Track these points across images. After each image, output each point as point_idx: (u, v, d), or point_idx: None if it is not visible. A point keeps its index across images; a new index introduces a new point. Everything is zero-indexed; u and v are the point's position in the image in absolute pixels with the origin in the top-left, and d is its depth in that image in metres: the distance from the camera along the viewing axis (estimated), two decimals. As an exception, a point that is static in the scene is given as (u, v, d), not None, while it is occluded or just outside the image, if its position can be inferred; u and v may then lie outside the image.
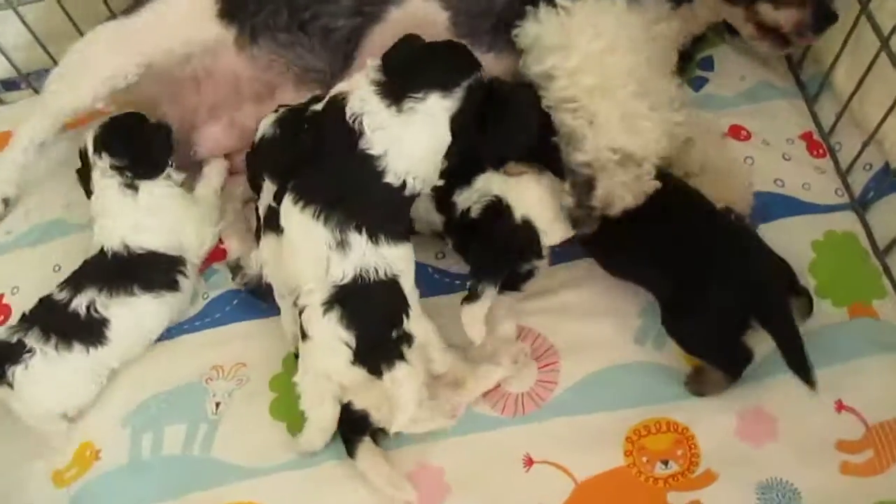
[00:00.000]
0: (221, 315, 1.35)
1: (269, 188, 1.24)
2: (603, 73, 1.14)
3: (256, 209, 1.29)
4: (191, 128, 1.40)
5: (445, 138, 1.14)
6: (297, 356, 1.18)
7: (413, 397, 1.08)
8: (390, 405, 1.09)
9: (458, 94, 1.14)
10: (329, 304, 1.08)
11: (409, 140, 1.12)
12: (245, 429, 1.22)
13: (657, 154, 1.14)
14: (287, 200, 1.14)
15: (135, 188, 1.29)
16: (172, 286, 1.30)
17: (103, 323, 1.24)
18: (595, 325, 1.23)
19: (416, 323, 1.12)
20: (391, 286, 1.11)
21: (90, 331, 1.23)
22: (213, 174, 1.40)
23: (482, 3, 1.27)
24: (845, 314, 1.22)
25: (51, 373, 1.20)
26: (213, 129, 1.39)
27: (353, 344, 1.07)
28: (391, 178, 1.12)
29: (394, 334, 1.10)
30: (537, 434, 1.16)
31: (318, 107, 1.18)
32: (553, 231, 1.20)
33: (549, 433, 1.15)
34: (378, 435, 1.14)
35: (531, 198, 1.20)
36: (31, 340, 1.21)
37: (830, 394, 1.15)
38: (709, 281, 1.12)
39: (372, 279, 1.09)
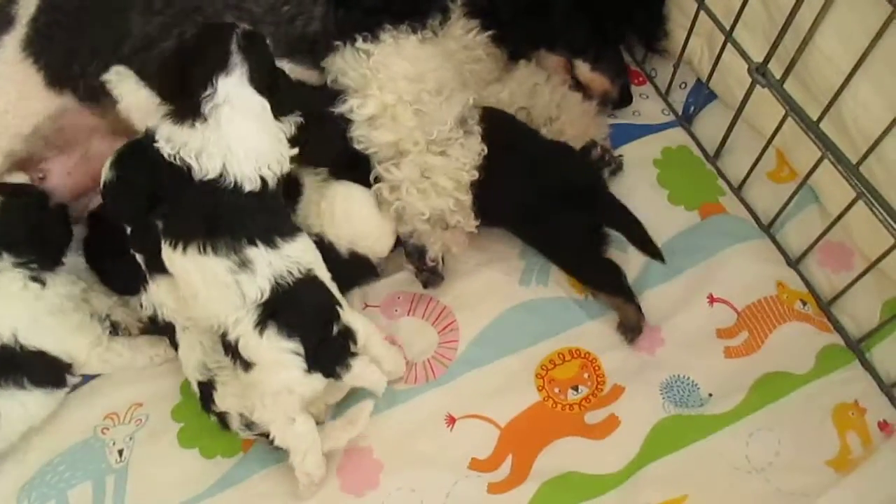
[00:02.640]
0: (103, 362, 1.28)
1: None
2: (396, 129, 1.19)
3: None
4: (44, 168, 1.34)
5: (264, 105, 1.10)
6: (202, 385, 1.15)
7: (380, 379, 1.10)
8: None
9: (236, 59, 1.09)
10: (262, 324, 1.04)
11: (235, 139, 1.07)
12: (158, 467, 1.17)
13: (461, 202, 1.20)
14: (165, 249, 1.09)
15: (41, 282, 1.20)
16: (60, 384, 1.22)
17: None
18: (481, 278, 1.28)
19: (352, 316, 1.11)
20: (311, 281, 1.09)
21: None
22: None
23: (296, 29, 1.29)
24: (698, 216, 1.34)
25: None
26: (65, 165, 1.34)
27: (301, 350, 1.04)
28: (250, 186, 1.07)
29: (335, 330, 1.07)
30: (453, 393, 1.19)
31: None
32: (381, 246, 1.23)
33: (463, 389, 1.19)
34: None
35: (350, 228, 1.21)
36: None
37: (702, 289, 1.26)
38: (549, 205, 1.21)
39: (290, 283, 1.06)
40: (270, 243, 1.07)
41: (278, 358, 1.05)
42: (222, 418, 1.15)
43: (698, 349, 1.21)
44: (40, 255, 1.21)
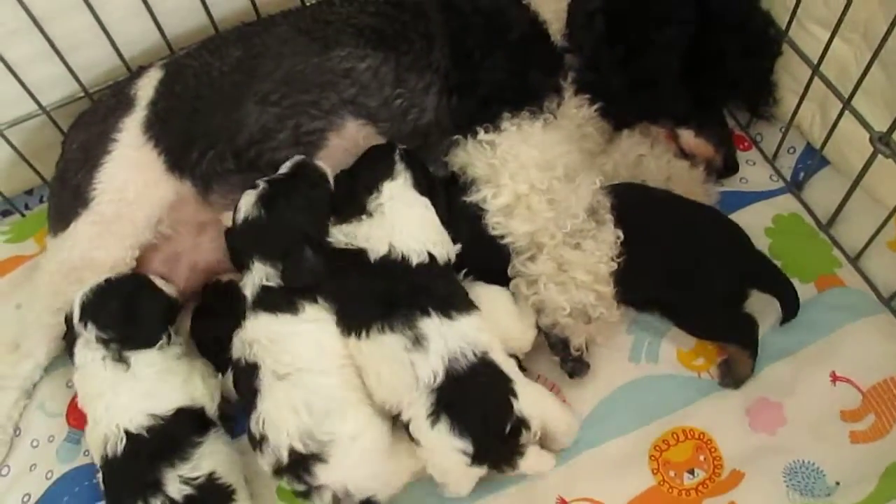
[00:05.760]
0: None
1: (260, 270, 1.16)
2: (532, 219, 1.18)
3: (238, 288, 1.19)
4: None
5: (427, 204, 1.18)
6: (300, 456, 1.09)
7: (550, 463, 1.11)
8: None
9: (400, 167, 1.19)
10: (435, 415, 1.04)
11: (398, 224, 1.14)
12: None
13: (602, 294, 1.17)
14: (351, 343, 1.11)
15: (124, 361, 1.18)
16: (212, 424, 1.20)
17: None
18: (589, 354, 1.22)
19: (525, 394, 1.07)
20: (487, 367, 1.07)
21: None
22: None
23: (410, 124, 1.30)
24: (814, 288, 1.28)
25: None
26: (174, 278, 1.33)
27: (470, 450, 1.03)
28: (417, 259, 1.13)
29: (508, 427, 1.04)
30: (564, 474, 1.14)
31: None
32: (527, 340, 1.20)
33: (574, 470, 1.15)
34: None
35: (497, 329, 1.15)
36: None
37: (823, 367, 1.19)
38: (705, 270, 1.18)
39: (465, 367, 1.05)
40: (445, 314, 1.08)
41: (445, 451, 1.04)
42: (307, 493, 1.09)
43: (822, 432, 1.14)
44: (133, 340, 1.20)
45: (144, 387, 1.17)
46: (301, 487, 1.08)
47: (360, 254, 1.14)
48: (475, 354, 1.07)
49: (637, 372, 1.22)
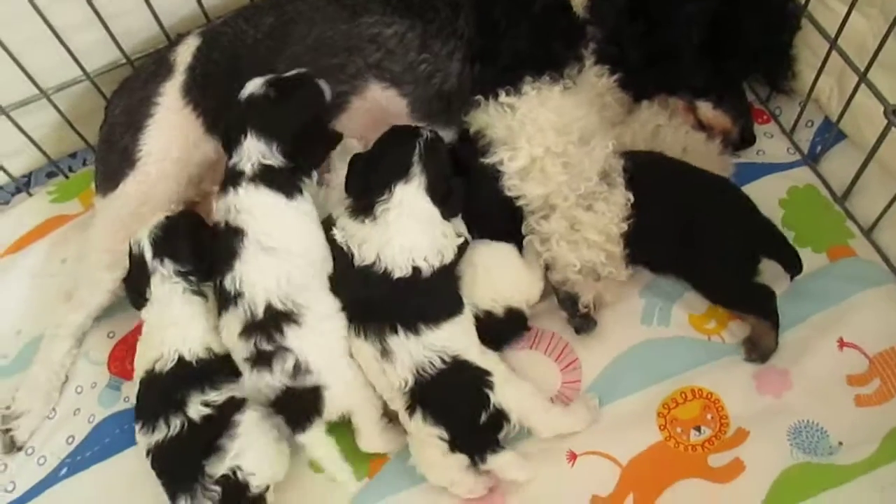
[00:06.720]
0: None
1: (254, 147, 1.19)
2: (546, 182, 1.22)
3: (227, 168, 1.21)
4: None
5: (431, 212, 1.18)
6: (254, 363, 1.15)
7: (525, 474, 1.13)
8: None
9: (417, 169, 1.17)
10: (411, 408, 1.11)
11: (393, 237, 1.15)
12: (288, 490, 1.21)
13: (612, 253, 1.22)
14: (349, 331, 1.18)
15: (202, 294, 1.23)
16: None
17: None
18: (602, 316, 1.27)
19: (505, 389, 1.12)
20: (459, 367, 1.12)
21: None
22: None
23: (433, 87, 1.35)
24: (826, 258, 1.31)
25: None
26: None
27: (446, 436, 1.10)
28: (400, 273, 1.14)
29: (483, 417, 1.10)
30: (574, 429, 1.19)
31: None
32: (536, 292, 1.26)
33: (585, 426, 1.19)
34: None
35: (509, 285, 1.23)
36: None
37: (831, 334, 1.22)
38: (712, 231, 1.22)
39: (434, 373, 1.10)
40: (412, 329, 1.12)
41: (424, 438, 1.11)
42: (269, 358, 1.13)
43: (827, 395, 1.18)
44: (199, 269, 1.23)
45: (212, 321, 1.22)
46: (269, 348, 1.12)
47: (349, 257, 1.17)
48: (444, 361, 1.11)
49: (648, 334, 1.26)
